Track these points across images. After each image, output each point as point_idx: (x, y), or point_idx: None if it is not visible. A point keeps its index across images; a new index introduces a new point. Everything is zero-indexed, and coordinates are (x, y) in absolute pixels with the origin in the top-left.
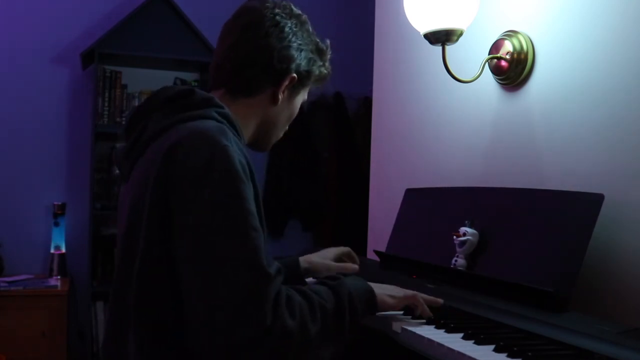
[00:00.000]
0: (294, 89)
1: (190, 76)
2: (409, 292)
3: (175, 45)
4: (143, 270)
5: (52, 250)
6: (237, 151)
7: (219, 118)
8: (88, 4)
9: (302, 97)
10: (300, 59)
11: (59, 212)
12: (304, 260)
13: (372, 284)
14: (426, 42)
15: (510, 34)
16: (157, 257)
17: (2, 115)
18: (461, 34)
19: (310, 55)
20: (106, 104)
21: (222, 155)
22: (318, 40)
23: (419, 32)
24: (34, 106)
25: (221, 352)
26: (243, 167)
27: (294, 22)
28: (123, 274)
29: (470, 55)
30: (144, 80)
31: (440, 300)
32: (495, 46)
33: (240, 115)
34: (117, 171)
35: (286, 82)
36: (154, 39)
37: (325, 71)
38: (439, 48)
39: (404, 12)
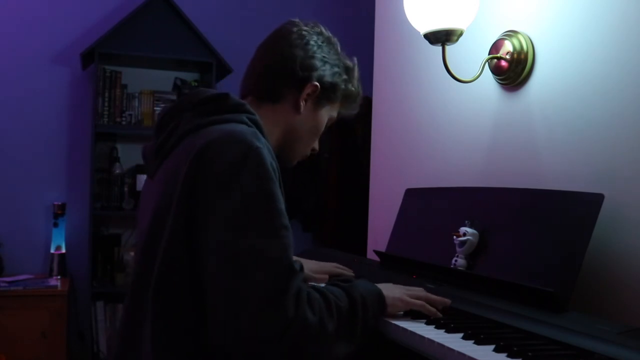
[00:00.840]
0: (319, 101)
1: (190, 76)
2: (417, 302)
3: (175, 45)
4: (165, 264)
5: (52, 250)
6: (268, 153)
7: (249, 123)
8: (88, 4)
9: (328, 113)
10: (324, 70)
11: (59, 212)
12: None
13: (382, 287)
14: (426, 42)
15: (510, 34)
16: (180, 252)
17: (1, 115)
18: (461, 34)
19: (336, 69)
20: (106, 104)
21: (255, 155)
22: (346, 59)
23: (419, 32)
24: (34, 106)
25: (245, 346)
26: (273, 169)
27: (321, 38)
28: (143, 269)
29: (470, 55)
30: (144, 80)
31: (448, 301)
32: (495, 46)
33: (265, 122)
34: (118, 170)
35: (308, 90)
36: (154, 39)
37: (352, 88)
38: (439, 48)
39: (404, 12)
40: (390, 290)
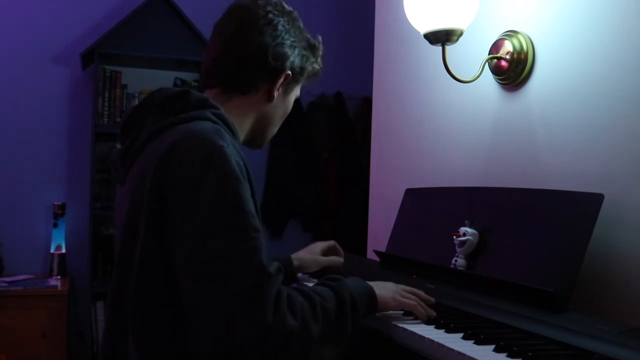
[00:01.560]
0: (289, 86)
1: (190, 76)
2: (410, 302)
3: (175, 45)
4: (141, 272)
5: (52, 250)
6: (233, 152)
7: (214, 119)
8: (88, 4)
9: (295, 93)
10: (294, 56)
11: (59, 212)
12: (295, 257)
13: (373, 284)
14: (426, 42)
15: (510, 34)
16: (154, 259)
17: (1, 115)
18: (461, 34)
19: (304, 52)
20: (106, 104)
21: (219, 156)
22: (309, 36)
23: (419, 32)
24: (34, 106)
25: (224, 353)
26: (240, 168)
27: (286, 19)
28: (122, 276)
29: (470, 55)
30: (144, 80)
31: (432, 299)
32: (495, 46)
33: (235, 113)
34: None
35: (281, 80)
36: (154, 39)
37: (317, 67)
38: (439, 48)
39: (404, 12)
40: (383, 289)
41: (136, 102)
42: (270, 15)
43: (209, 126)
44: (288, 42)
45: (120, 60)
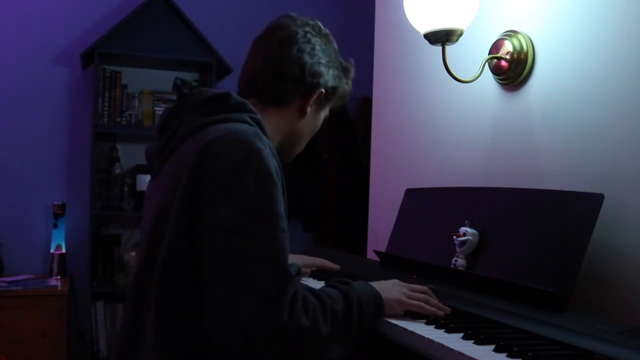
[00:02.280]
0: (320, 104)
1: (190, 76)
2: (415, 302)
3: (175, 45)
4: (167, 261)
5: (52, 250)
6: (270, 154)
7: (252, 123)
8: (88, 4)
9: (325, 112)
10: (329, 75)
11: (59, 212)
12: None
13: (379, 287)
14: (426, 42)
15: (510, 34)
16: (182, 249)
17: (1, 115)
18: (461, 34)
19: (337, 72)
20: (106, 104)
21: (256, 157)
22: (342, 59)
23: (419, 32)
24: (34, 106)
25: (239, 345)
26: (276, 170)
27: (323, 40)
28: (146, 268)
29: (470, 55)
30: (144, 80)
31: (448, 309)
32: (495, 46)
33: (267, 124)
34: (118, 170)
35: (315, 96)
36: (154, 39)
37: (347, 88)
38: (439, 48)
39: (404, 12)
40: (389, 291)
41: (136, 102)
42: (309, 35)
43: (247, 128)
44: (324, 61)
45: (120, 60)
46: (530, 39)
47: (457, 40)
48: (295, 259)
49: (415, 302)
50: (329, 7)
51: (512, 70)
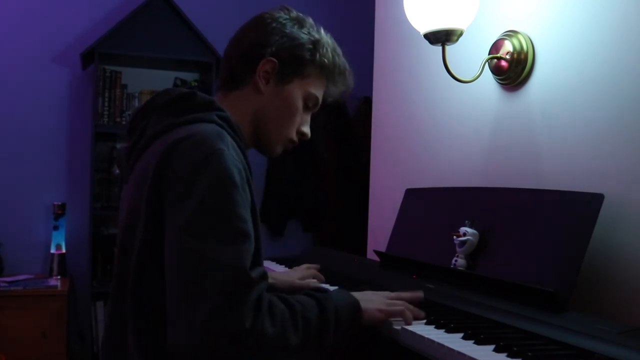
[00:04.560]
0: (282, 77)
1: (190, 76)
2: (396, 309)
3: (175, 45)
4: (139, 268)
5: (52, 250)
6: (233, 155)
7: (219, 121)
8: (88, 4)
9: (302, 89)
10: (281, 43)
11: (59, 212)
12: (271, 276)
13: (359, 296)
14: (426, 42)
15: (510, 34)
16: (152, 255)
17: (1, 115)
18: (461, 34)
19: (298, 41)
20: (106, 104)
21: (216, 158)
22: (321, 33)
23: (419, 32)
24: (34, 106)
25: (197, 350)
26: (239, 172)
27: (285, 16)
28: (121, 273)
29: (470, 55)
30: (144, 80)
31: (420, 294)
32: (495, 46)
33: (233, 111)
34: (117, 171)
35: (264, 68)
36: (154, 39)
37: (326, 60)
38: (439, 48)
39: (404, 12)
40: (369, 301)
41: (136, 102)
42: (267, 16)
43: (212, 128)
44: (277, 32)
45: (120, 60)
46: (530, 39)
47: (457, 40)
48: (279, 275)
49: (397, 308)
50: (329, 7)
51: (512, 70)
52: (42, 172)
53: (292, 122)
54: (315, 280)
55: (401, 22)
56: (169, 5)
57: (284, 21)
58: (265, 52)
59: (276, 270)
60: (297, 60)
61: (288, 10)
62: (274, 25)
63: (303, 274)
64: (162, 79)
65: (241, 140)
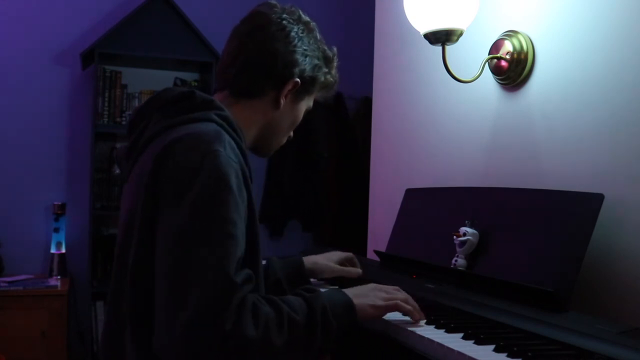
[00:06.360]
0: (298, 95)
1: (190, 76)
2: (391, 302)
3: (175, 45)
4: (136, 269)
5: (52, 250)
6: (230, 156)
7: (219, 121)
8: (88, 4)
9: (307, 103)
10: (305, 64)
11: (59, 212)
12: (308, 260)
13: (352, 293)
14: (426, 42)
15: (510, 34)
16: (148, 256)
17: (1, 115)
18: (461, 34)
19: (316, 61)
20: (106, 104)
21: (211, 159)
22: (325, 47)
23: (419, 32)
24: (34, 106)
25: (179, 351)
26: (236, 173)
27: (302, 27)
28: (119, 273)
29: (470, 55)
30: (144, 80)
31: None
32: (495, 46)
33: (242, 117)
34: (118, 171)
35: (289, 87)
36: (154, 39)
37: (331, 79)
38: (439, 48)
39: (404, 12)
40: (364, 297)
41: (136, 102)
42: (285, 22)
43: (210, 128)
44: (300, 49)
45: (120, 60)
46: (530, 39)
47: (457, 40)
48: (317, 258)
49: (392, 302)
50: (329, 7)
51: (512, 70)
52: (42, 172)
53: (291, 130)
54: (356, 270)
55: (401, 22)
56: (169, 5)
57: (302, 33)
58: (294, 72)
59: None
60: (314, 82)
61: (297, 12)
62: (294, 36)
63: (340, 257)
64: (162, 79)
65: (242, 140)
